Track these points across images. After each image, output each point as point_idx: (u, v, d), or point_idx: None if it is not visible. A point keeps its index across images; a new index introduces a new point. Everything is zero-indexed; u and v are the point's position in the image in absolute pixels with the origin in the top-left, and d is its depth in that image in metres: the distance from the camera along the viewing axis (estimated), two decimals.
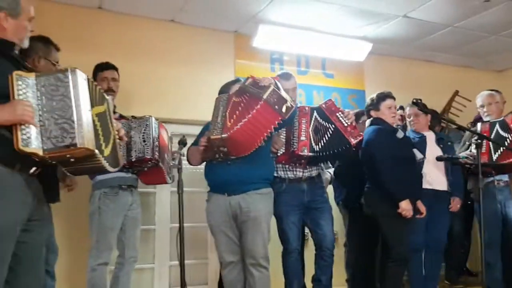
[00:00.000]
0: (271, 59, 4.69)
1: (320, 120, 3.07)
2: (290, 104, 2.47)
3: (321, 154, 2.98)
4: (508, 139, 3.07)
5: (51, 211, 2.51)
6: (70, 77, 1.83)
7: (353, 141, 2.93)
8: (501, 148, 3.01)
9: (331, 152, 2.98)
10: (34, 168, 1.87)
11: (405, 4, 4.02)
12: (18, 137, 1.71)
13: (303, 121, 3.03)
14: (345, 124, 2.99)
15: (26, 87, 1.79)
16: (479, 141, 2.69)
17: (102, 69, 3.18)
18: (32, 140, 1.73)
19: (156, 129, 2.97)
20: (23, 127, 1.72)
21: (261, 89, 2.48)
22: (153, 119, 3.00)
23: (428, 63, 5.61)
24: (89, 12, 3.92)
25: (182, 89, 4.24)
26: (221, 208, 2.74)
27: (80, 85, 1.84)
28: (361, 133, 3.03)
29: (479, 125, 3.32)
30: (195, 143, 2.93)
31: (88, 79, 1.93)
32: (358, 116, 3.62)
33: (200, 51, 4.36)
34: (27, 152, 1.71)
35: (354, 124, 3.01)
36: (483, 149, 3.04)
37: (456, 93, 5.09)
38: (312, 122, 3.07)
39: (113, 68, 3.23)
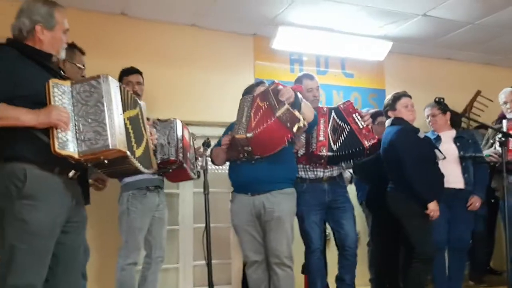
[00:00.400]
0: (291, 60, 4.73)
1: (338, 120, 3.12)
2: (303, 124, 2.52)
3: (338, 154, 3.02)
4: None
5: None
6: (102, 83, 1.93)
7: (367, 144, 2.98)
8: None
9: (345, 152, 3.02)
10: (73, 172, 1.96)
11: (425, 3, 4.02)
12: (55, 141, 1.80)
13: (321, 121, 3.08)
14: (361, 126, 3.04)
15: (62, 93, 1.89)
16: (503, 139, 2.67)
17: (127, 73, 3.28)
18: (67, 143, 1.82)
19: (180, 131, 3.06)
20: (59, 130, 1.81)
21: (278, 103, 2.54)
22: (177, 121, 3.09)
23: (448, 61, 5.57)
24: (113, 18, 4.03)
25: (204, 91, 4.31)
26: (245, 208, 2.80)
27: (112, 91, 1.94)
28: (376, 136, 3.06)
29: (504, 122, 3.29)
30: (219, 143, 2.99)
31: (120, 85, 2.03)
32: (374, 116, 3.63)
33: (220, 54, 4.43)
34: (63, 154, 1.80)
35: (370, 126, 3.04)
36: (511, 147, 3.01)
37: (478, 93, 5.05)
38: (331, 122, 3.12)
39: (138, 72, 3.32)
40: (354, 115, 3.09)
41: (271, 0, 3.88)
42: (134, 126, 2.04)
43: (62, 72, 2.12)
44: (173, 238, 4.09)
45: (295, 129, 2.48)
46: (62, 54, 2.14)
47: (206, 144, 2.78)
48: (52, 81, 1.89)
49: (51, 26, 2.02)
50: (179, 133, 3.02)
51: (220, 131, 4.35)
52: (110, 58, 3.85)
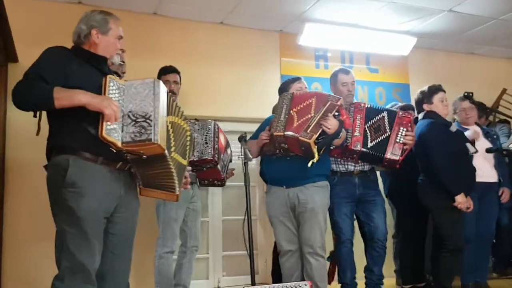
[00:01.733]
0: (316, 56, 4.81)
1: (387, 122, 3.13)
2: (311, 163, 2.64)
3: (369, 152, 3.07)
4: None
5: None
6: (154, 85, 2.05)
7: (388, 156, 3.01)
8: None
9: (369, 153, 3.07)
10: (120, 163, 2.05)
11: None
12: (103, 126, 1.91)
13: (358, 117, 3.13)
14: (397, 140, 3.06)
15: (116, 89, 2.03)
16: None
17: (165, 72, 3.41)
18: (114, 131, 1.94)
19: (216, 133, 3.17)
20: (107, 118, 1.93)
21: (313, 128, 2.61)
22: (214, 123, 3.20)
23: (472, 55, 5.60)
24: (145, 17, 4.16)
25: (231, 88, 4.42)
26: (280, 200, 2.90)
27: (161, 94, 2.06)
28: (402, 157, 3.05)
29: None
30: (254, 137, 3.08)
31: (167, 92, 2.16)
32: (405, 110, 3.69)
33: (247, 51, 4.54)
34: (108, 140, 1.91)
35: (406, 147, 3.06)
36: None
37: (504, 91, 5.06)
38: (375, 120, 3.15)
39: (176, 71, 3.44)
40: (401, 127, 3.09)
41: None
42: (175, 132, 2.14)
43: (116, 75, 2.24)
44: (203, 229, 4.22)
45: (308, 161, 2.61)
46: (116, 59, 2.29)
47: (243, 138, 2.88)
48: (110, 76, 2.04)
49: (105, 31, 2.17)
50: (216, 135, 3.14)
51: (247, 126, 4.50)
52: (142, 56, 3.96)
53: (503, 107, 5.13)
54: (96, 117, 1.93)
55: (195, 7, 4.11)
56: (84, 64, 2.09)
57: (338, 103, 2.68)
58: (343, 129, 2.80)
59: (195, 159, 3.03)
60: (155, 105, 2.01)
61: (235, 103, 4.41)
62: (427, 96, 3.37)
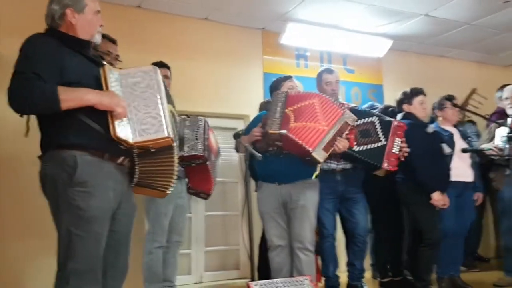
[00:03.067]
0: (296, 55, 4.90)
1: (379, 129, 3.11)
2: (315, 176, 2.84)
3: (356, 156, 3.04)
4: None
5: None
6: (154, 74, 1.98)
7: (384, 166, 3.00)
8: None
9: (363, 158, 3.05)
10: (122, 158, 1.97)
11: (428, 4, 4.25)
12: (115, 125, 1.82)
13: None
14: (394, 150, 3.05)
15: (115, 80, 1.93)
16: (511, 134, 2.91)
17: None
18: (124, 128, 1.86)
19: (207, 131, 3.16)
20: (117, 116, 1.85)
21: (328, 144, 2.67)
22: (205, 120, 3.19)
23: (443, 58, 5.84)
24: (129, 10, 4.11)
25: (214, 83, 4.44)
26: (272, 196, 2.95)
27: (161, 82, 2.00)
28: (395, 168, 3.06)
29: (509, 119, 3.54)
30: (246, 133, 3.09)
31: (163, 78, 2.06)
32: (385, 110, 3.83)
33: (230, 48, 4.56)
34: (121, 139, 1.83)
35: (399, 158, 3.08)
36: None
37: (474, 90, 5.30)
38: (362, 123, 3.11)
39: (166, 66, 3.41)
40: (397, 138, 3.09)
41: None
42: (174, 122, 2.10)
43: (103, 61, 2.09)
44: (186, 225, 4.22)
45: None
46: (97, 38, 2.06)
47: (238, 135, 2.91)
48: (108, 67, 1.93)
49: (81, 8, 1.97)
50: (206, 132, 3.13)
51: (229, 123, 4.54)
52: (125, 49, 3.89)
53: (471, 105, 5.37)
54: (97, 112, 1.84)
55: (180, 2, 4.09)
56: (72, 53, 1.92)
57: (352, 124, 2.77)
58: None
59: (185, 154, 3.01)
60: (161, 95, 1.95)
61: (218, 99, 4.43)
62: (408, 97, 3.51)
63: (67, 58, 1.88)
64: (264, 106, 3.84)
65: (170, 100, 2.14)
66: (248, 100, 4.40)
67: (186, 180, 3.33)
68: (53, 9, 1.97)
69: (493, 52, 5.66)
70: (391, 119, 3.24)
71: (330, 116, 2.75)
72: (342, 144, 2.74)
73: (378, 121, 3.13)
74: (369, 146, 3.05)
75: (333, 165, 3.35)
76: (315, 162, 2.70)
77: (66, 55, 1.89)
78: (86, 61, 1.98)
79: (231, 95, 4.48)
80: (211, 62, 4.45)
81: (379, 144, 3.05)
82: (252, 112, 4.19)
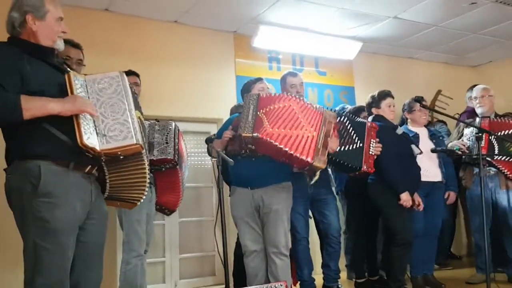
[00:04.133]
0: (269, 58, 4.89)
1: (352, 131, 3.15)
2: (314, 182, 2.91)
3: (332, 158, 3.02)
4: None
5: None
6: (121, 79, 1.96)
7: (364, 168, 3.06)
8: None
9: (342, 162, 3.07)
10: (89, 167, 1.93)
11: (397, 6, 4.31)
12: (82, 133, 1.77)
13: None
14: (370, 152, 3.12)
15: (80, 86, 1.89)
16: (479, 134, 2.97)
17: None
18: (90, 135, 1.81)
19: (177, 135, 3.11)
20: (83, 123, 1.80)
21: (325, 145, 2.67)
22: (175, 124, 3.14)
23: (412, 60, 5.95)
24: (96, 14, 4.01)
25: (186, 87, 4.39)
26: (245, 201, 2.92)
27: (128, 87, 1.98)
28: (373, 169, 3.12)
29: (477, 119, 3.62)
30: (218, 136, 3.03)
31: (130, 83, 2.04)
32: (358, 112, 3.86)
33: (202, 51, 4.52)
34: (89, 147, 1.78)
35: (375, 157, 3.15)
36: (482, 143, 3.31)
37: (439, 92, 5.42)
38: (344, 127, 3.14)
39: (135, 74, 3.34)
40: (372, 139, 3.16)
41: (254, 0, 4.01)
42: (143, 128, 2.05)
43: (67, 67, 2.07)
44: (159, 232, 4.16)
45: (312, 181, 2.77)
46: (60, 44, 2.02)
47: (210, 140, 2.87)
48: (73, 73, 1.89)
49: (42, 14, 1.93)
50: (177, 136, 3.09)
51: (201, 127, 4.50)
52: (93, 54, 3.79)
53: (438, 107, 5.49)
54: (61, 120, 1.80)
55: (149, 5, 4.03)
56: (34, 61, 1.87)
57: (334, 121, 2.78)
58: None
59: (154, 158, 2.95)
60: (128, 101, 1.93)
61: (190, 103, 4.38)
62: (376, 100, 3.57)
63: (28, 67, 1.83)
64: (235, 110, 3.82)
65: (138, 106, 2.10)
66: (221, 104, 4.37)
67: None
68: (13, 17, 1.93)
69: (460, 53, 5.80)
70: (363, 120, 3.27)
71: (312, 119, 2.75)
72: (334, 144, 2.74)
73: (347, 121, 3.17)
74: (345, 148, 3.07)
75: None
76: (316, 169, 2.69)
77: (28, 63, 1.84)
78: (50, 68, 1.93)
79: (204, 99, 4.44)
80: (182, 65, 4.40)
81: (356, 146, 3.09)
82: (225, 115, 4.13)
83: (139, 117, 2.04)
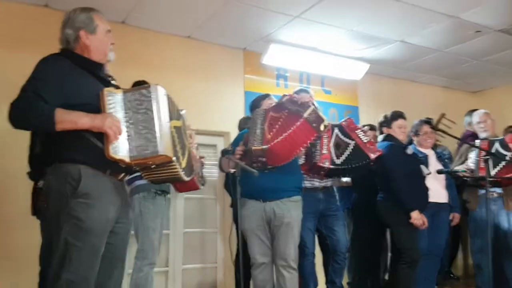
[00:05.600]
0: (277, 75, 5.00)
1: (341, 137, 3.34)
2: (328, 123, 2.77)
3: (342, 167, 3.23)
4: (507, 156, 3.45)
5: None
6: (152, 92, 2.03)
7: (373, 156, 3.24)
8: (501, 164, 3.40)
9: (352, 166, 3.24)
10: (123, 174, 2.07)
11: (405, 30, 4.44)
12: (109, 146, 1.90)
13: (324, 136, 3.30)
14: (365, 141, 3.30)
15: (115, 102, 2.00)
16: (487, 157, 3.06)
17: (139, 85, 3.34)
18: (120, 148, 1.93)
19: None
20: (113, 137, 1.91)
21: (302, 107, 2.76)
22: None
23: (413, 83, 6.08)
24: (113, 26, 4.06)
25: (196, 101, 4.43)
26: (256, 214, 2.97)
27: (160, 100, 2.04)
28: (379, 149, 3.31)
29: (477, 142, 3.72)
30: (227, 151, 3.10)
31: (167, 95, 2.12)
32: (370, 129, 3.97)
33: (212, 66, 4.62)
34: (116, 159, 1.90)
35: (372, 140, 3.32)
36: (482, 164, 3.42)
37: (443, 115, 5.52)
38: (334, 138, 3.33)
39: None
40: (356, 131, 3.34)
41: (267, 19, 4.13)
42: (179, 136, 2.15)
43: (112, 81, 2.18)
44: (164, 242, 4.17)
45: (321, 127, 2.74)
46: (111, 56, 2.18)
47: (226, 152, 2.94)
48: (106, 90, 1.99)
49: (93, 29, 2.10)
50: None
51: (211, 139, 4.57)
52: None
53: (440, 130, 5.58)
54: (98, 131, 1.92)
55: (164, 20, 4.13)
56: (83, 73, 2.03)
57: (287, 96, 2.90)
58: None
59: None
60: (156, 114, 2.00)
61: (199, 116, 4.39)
62: (388, 121, 3.67)
63: (76, 80, 1.97)
64: (243, 122, 3.92)
65: (177, 115, 2.20)
66: (229, 118, 4.45)
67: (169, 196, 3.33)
68: (67, 33, 2.08)
69: (462, 78, 5.94)
70: (340, 123, 3.45)
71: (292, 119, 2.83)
72: (303, 97, 2.85)
73: (338, 131, 3.36)
74: (346, 153, 3.25)
75: (316, 183, 3.42)
76: (313, 114, 2.76)
77: (78, 76, 1.99)
78: (97, 82, 2.06)
79: (213, 112, 4.52)
80: (193, 79, 4.48)
81: (351, 146, 3.29)
82: (233, 129, 4.24)
83: (175, 126, 2.13)
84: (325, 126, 2.76)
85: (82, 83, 2.00)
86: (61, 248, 1.87)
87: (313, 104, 2.83)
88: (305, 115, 2.72)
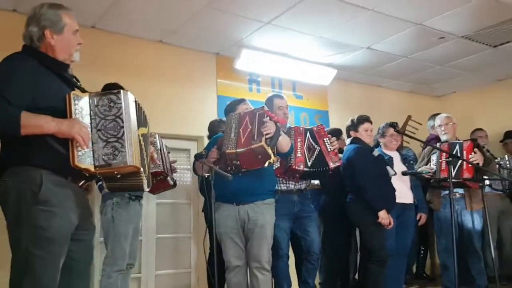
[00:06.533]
0: (249, 80, 5.06)
1: (311, 140, 3.46)
2: (272, 161, 2.85)
3: (312, 170, 3.34)
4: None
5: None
6: (122, 98, 1.96)
7: (331, 165, 3.35)
8: (458, 165, 3.58)
9: (315, 169, 3.36)
10: (83, 181, 2.00)
11: (371, 37, 4.59)
12: (75, 154, 1.83)
13: (298, 140, 3.39)
14: (329, 149, 3.41)
15: (81, 106, 1.92)
16: (449, 159, 3.21)
17: (110, 89, 3.30)
18: (85, 157, 1.86)
19: (162, 146, 3.20)
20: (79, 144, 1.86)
21: (257, 135, 2.81)
22: (159, 136, 3.21)
23: (380, 88, 6.27)
24: (83, 30, 4.02)
25: (169, 105, 4.45)
26: (230, 217, 3.01)
27: (130, 107, 1.99)
28: (341, 159, 3.42)
29: (438, 144, 3.88)
30: (201, 155, 3.15)
31: (136, 101, 2.07)
32: (338, 134, 4.08)
33: (185, 70, 4.63)
34: (82, 168, 1.84)
35: (336, 151, 3.42)
36: (443, 166, 3.58)
37: (409, 117, 5.70)
38: (306, 141, 3.45)
39: (120, 88, 3.37)
40: (324, 139, 3.45)
41: (239, 25, 4.19)
42: (145, 144, 2.11)
43: (77, 82, 2.11)
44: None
45: (266, 164, 2.82)
46: (76, 57, 2.10)
47: (200, 156, 2.97)
48: (73, 93, 1.92)
49: (60, 29, 2.00)
50: (162, 147, 3.16)
51: (183, 144, 4.58)
52: (78, 70, 3.86)
53: (408, 131, 5.76)
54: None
55: (135, 24, 4.12)
56: (49, 74, 1.94)
57: (263, 109, 2.95)
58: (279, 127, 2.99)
59: None
60: (126, 122, 1.93)
61: (172, 120, 4.44)
62: (354, 124, 3.81)
63: (43, 81, 1.90)
64: (216, 125, 3.94)
65: (144, 123, 2.14)
66: (202, 122, 4.45)
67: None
68: (31, 31, 1.99)
69: (426, 83, 6.16)
70: (311, 127, 3.55)
71: (252, 119, 2.93)
72: (268, 126, 2.83)
73: (309, 134, 3.48)
74: (313, 157, 3.38)
75: (291, 185, 3.50)
76: (263, 152, 2.79)
77: (43, 77, 1.91)
78: (62, 84, 1.99)
79: (185, 117, 4.53)
80: (165, 84, 4.48)
81: (316, 152, 3.41)
82: (206, 133, 4.26)
83: (142, 134, 2.09)
84: (269, 163, 2.84)
85: (47, 84, 1.91)
86: (22, 257, 1.81)
87: (276, 132, 2.87)
88: (252, 146, 2.78)
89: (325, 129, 4.27)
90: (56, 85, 1.96)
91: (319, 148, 3.43)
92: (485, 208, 3.51)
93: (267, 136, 2.79)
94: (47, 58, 1.98)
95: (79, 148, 1.85)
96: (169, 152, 3.49)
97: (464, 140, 3.85)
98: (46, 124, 1.83)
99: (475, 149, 3.74)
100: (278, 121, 2.96)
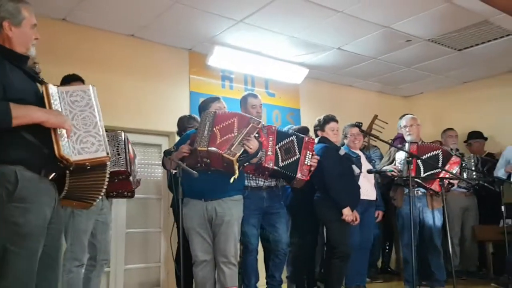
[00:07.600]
0: (222, 76, 5.11)
1: (296, 145, 3.47)
2: (233, 179, 2.90)
3: (281, 170, 3.38)
4: None
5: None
6: (91, 91, 2.04)
7: (298, 176, 3.38)
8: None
9: (283, 171, 3.41)
10: (53, 174, 1.99)
11: (341, 39, 4.70)
12: (59, 144, 1.85)
13: (270, 139, 3.42)
14: (306, 162, 3.44)
15: (55, 98, 1.95)
16: (409, 159, 3.35)
17: (69, 80, 3.23)
18: (65, 148, 1.89)
19: (127, 144, 3.19)
20: (62, 135, 1.88)
21: (237, 145, 2.87)
22: (124, 134, 3.21)
23: (350, 87, 6.42)
24: (54, 23, 4.03)
25: (140, 100, 4.47)
26: (198, 212, 3.07)
27: (97, 101, 2.05)
28: (308, 178, 3.44)
29: (407, 145, 4.03)
30: (170, 152, 3.13)
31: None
32: (304, 132, 4.16)
33: (157, 65, 4.65)
34: (65, 157, 1.86)
35: (312, 168, 3.46)
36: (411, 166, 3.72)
37: (376, 117, 5.88)
38: (285, 142, 3.46)
39: (80, 79, 3.30)
40: (308, 151, 3.46)
41: (212, 22, 4.23)
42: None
43: (38, 76, 2.10)
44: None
45: (231, 180, 2.89)
46: (32, 51, 2.08)
47: (168, 153, 3.00)
48: (50, 86, 1.94)
49: (18, 21, 1.99)
50: (127, 146, 3.16)
51: (154, 139, 4.60)
52: (49, 63, 3.81)
53: (375, 130, 5.94)
54: (37, 129, 1.86)
55: (107, 17, 4.11)
56: (13, 68, 1.93)
57: (259, 126, 2.99)
58: (260, 150, 3.08)
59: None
60: (99, 116, 2.01)
61: (143, 115, 4.46)
62: (321, 124, 3.92)
63: (9, 74, 1.89)
64: (185, 121, 3.97)
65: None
66: (173, 118, 4.44)
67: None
68: None
69: (394, 84, 6.35)
70: (304, 135, 3.58)
71: (241, 126, 2.99)
72: (251, 143, 2.92)
73: (295, 139, 3.50)
74: (288, 161, 3.40)
75: (261, 182, 3.56)
76: (230, 164, 2.86)
77: (7, 70, 1.90)
78: (25, 76, 1.99)
79: (157, 112, 4.55)
80: (137, 78, 4.49)
81: (295, 158, 3.43)
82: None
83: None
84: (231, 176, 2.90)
85: (13, 76, 1.91)
86: None
87: (253, 153, 2.95)
88: (224, 154, 2.84)
89: (294, 128, 4.44)
90: (21, 78, 1.96)
91: (298, 156, 3.44)
92: (444, 207, 3.69)
93: (246, 149, 2.88)
94: (7, 50, 1.97)
95: (62, 138, 1.87)
96: (135, 156, 3.45)
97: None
98: (34, 113, 1.84)
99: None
100: (264, 145, 3.03)
